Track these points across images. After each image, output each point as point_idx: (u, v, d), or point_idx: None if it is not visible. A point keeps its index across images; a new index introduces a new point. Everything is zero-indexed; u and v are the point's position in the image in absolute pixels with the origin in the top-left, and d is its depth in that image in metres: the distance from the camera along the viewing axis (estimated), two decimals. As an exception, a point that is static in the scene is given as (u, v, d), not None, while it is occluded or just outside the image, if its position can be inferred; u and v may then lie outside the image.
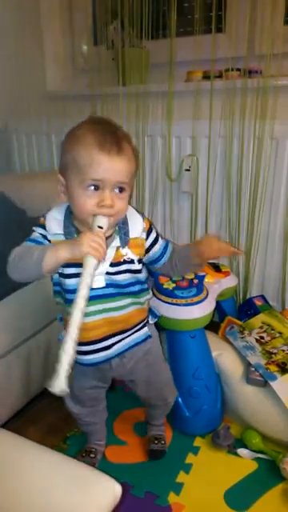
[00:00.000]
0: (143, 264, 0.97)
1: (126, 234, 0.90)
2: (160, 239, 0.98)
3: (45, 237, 0.89)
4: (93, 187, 0.81)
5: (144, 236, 0.94)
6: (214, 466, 1.16)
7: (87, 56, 1.81)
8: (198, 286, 1.23)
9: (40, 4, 1.86)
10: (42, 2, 1.86)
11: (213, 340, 1.31)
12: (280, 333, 1.30)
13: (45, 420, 1.33)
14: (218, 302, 1.35)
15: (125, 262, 0.90)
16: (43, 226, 0.89)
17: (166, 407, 1.18)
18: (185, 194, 1.66)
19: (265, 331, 1.33)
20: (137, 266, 0.93)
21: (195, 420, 1.23)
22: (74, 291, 0.79)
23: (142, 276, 0.96)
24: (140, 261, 0.94)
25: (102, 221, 0.81)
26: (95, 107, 1.74)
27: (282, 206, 1.49)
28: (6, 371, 1.19)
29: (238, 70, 1.49)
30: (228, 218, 1.59)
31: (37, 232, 0.89)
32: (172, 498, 1.07)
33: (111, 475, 0.67)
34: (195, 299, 1.20)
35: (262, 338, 1.31)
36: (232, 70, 1.47)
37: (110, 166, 0.80)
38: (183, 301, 1.19)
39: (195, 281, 1.24)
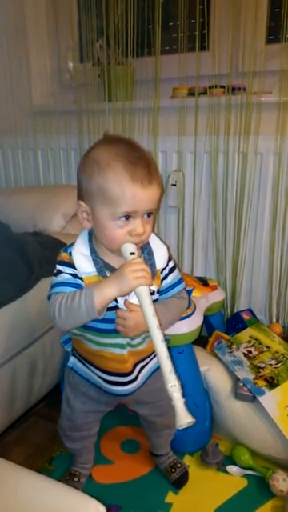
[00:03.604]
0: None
1: (153, 265, 0.87)
2: (176, 270, 0.94)
3: (75, 276, 0.83)
4: (124, 218, 0.78)
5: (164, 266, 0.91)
6: (204, 484, 1.13)
7: (73, 72, 1.80)
8: (185, 301, 1.22)
9: (26, 20, 1.86)
10: (28, 18, 1.87)
11: (201, 355, 1.29)
12: (267, 347, 1.30)
13: (29, 440, 1.29)
14: (205, 317, 1.34)
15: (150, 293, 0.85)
16: (70, 265, 0.84)
17: (170, 432, 1.13)
18: (171, 208, 1.66)
19: (252, 345, 1.32)
20: (155, 297, 0.89)
21: (184, 437, 1.19)
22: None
23: None
24: (158, 291, 0.90)
25: (133, 247, 0.79)
26: (81, 123, 1.74)
27: (267, 219, 1.50)
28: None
29: (222, 86, 1.50)
30: (214, 232, 1.59)
31: (65, 273, 0.84)
32: (161, 518, 1.04)
33: (97, 497, 0.65)
34: (183, 314, 1.18)
35: (249, 352, 1.29)
36: (216, 86, 1.49)
37: (142, 197, 0.76)
38: (170, 316, 1.17)
39: (182, 295, 1.22)
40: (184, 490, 1.12)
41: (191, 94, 1.56)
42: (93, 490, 1.11)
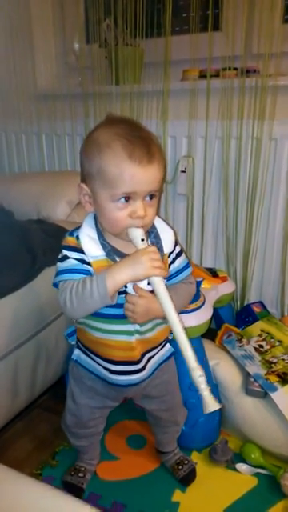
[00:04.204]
0: None
1: (161, 249, 0.85)
2: (183, 254, 0.93)
3: (83, 261, 0.81)
4: (123, 199, 0.76)
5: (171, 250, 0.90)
6: (212, 482, 1.10)
7: (79, 54, 1.75)
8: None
9: (30, 1, 1.81)
10: (33, -1, 1.82)
11: (209, 348, 1.26)
12: (280, 341, 1.26)
13: (33, 433, 1.27)
14: (214, 309, 1.30)
15: None
16: (77, 249, 0.82)
17: (176, 429, 1.11)
18: (180, 196, 1.62)
19: (264, 339, 1.29)
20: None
21: (191, 434, 1.17)
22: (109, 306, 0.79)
23: None
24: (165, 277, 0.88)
25: (140, 232, 0.78)
26: (87, 107, 1.70)
27: (281, 208, 1.46)
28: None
29: (236, 69, 1.45)
30: (225, 221, 1.56)
31: (72, 258, 0.82)
32: (168, 518, 1.01)
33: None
34: (191, 306, 1.15)
35: (261, 346, 1.26)
36: (230, 69, 1.44)
37: (141, 177, 0.75)
38: (179, 308, 1.13)
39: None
40: (192, 489, 1.09)
41: (202, 76, 1.51)
42: (97, 486, 1.09)
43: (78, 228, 0.85)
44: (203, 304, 1.18)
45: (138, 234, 0.78)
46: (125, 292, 0.82)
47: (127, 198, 0.76)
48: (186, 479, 1.10)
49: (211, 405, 0.76)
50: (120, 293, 0.81)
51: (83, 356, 0.95)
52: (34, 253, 1.19)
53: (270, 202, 1.47)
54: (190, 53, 1.48)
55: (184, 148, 1.56)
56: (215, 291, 1.33)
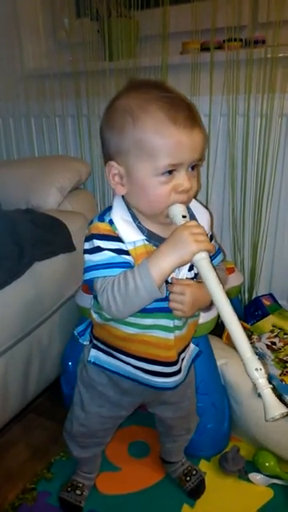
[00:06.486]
0: None
1: None
2: (213, 239, 0.86)
3: (120, 251, 0.72)
4: (167, 173, 0.69)
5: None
6: (223, 495, 1.04)
7: (69, 29, 1.68)
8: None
9: None
10: None
11: (217, 346, 1.19)
12: (294, 338, 1.18)
13: (27, 441, 1.22)
14: None
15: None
16: (112, 237, 0.72)
17: (186, 437, 1.04)
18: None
19: (276, 336, 1.23)
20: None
21: (199, 440, 1.10)
22: None
23: None
24: None
25: (183, 209, 0.71)
26: (79, 85, 1.63)
27: (293, 192, 1.41)
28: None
29: (240, 40, 1.37)
30: (231, 207, 1.50)
31: (107, 249, 0.72)
32: (176, 537, 0.95)
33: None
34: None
35: (273, 343, 1.20)
36: (235, 40, 1.36)
37: (188, 144, 0.68)
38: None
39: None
40: (201, 502, 1.02)
41: (204, 49, 1.43)
42: (97, 502, 1.02)
43: (107, 211, 0.75)
44: (210, 299, 1.10)
45: (178, 209, 0.70)
46: (166, 282, 0.73)
47: (171, 171, 0.69)
48: (196, 492, 1.03)
49: (275, 408, 0.61)
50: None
51: (104, 357, 0.85)
52: (22, 246, 1.11)
53: (281, 185, 1.42)
54: (190, 24, 1.40)
55: (185, 127, 1.47)
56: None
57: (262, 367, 0.63)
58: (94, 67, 1.57)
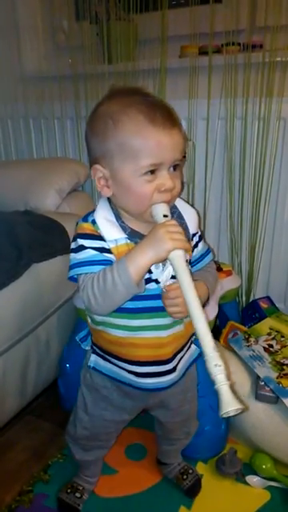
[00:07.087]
0: None
1: (186, 229, 0.81)
2: (203, 239, 0.88)
3: (102, 249, 0.75)
4: (150, 172, 0.71)
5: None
6: (220, 497, 1.04)
7: (68, 32, 1.69)
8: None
9: (13, -27, 1.74)
10: None
11: None
12: (291, 340, 1.18)
13: (25, 442, 1.22)
14: (218, 306, 1.24)
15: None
16: (95, 236, 0.75)
17: (185, 441, 1.04)
18: (180, 183, 1.54)
19: (273, 338, 1.22)
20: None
21: (196, 443, 1.10)
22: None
23: None
24: (190, 262, 0.83)
25: (165, 208, 0.73)
26: (78, 88, 1.63)
27: (291, 195, 1.42)
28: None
29: (238, 44, 1.37)
30: (229, 210, 1.50)
31: (90, 247, 0.75)
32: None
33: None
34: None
35: (270, 346, 1.19)
36: (233, 44, 1.36)
37: (167, 144, 0.70)
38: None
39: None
40: (198, 505, 1.02)
41: (202, 52, 1.43)
42: (94, 505, 1.02)
43: (91, 213, 0.79)
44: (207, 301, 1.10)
45: (161, 209, 0.73)
46: (151, 280, 0.76)
47: (153, 171, 0.71)
48: (192, 490, 1.04)
49: (230, 404, 0.62)
50: (146, 282, 0.75)
51: (102, 362, 0.87)
52: (20, 248, 1.11)
53: (278, 188, 1.42)
54: (188, 28, 1.41)
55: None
56: (219, 287, 1.28)
57: (221, 364, 0.64)
58: (92, 70, 1.57)
